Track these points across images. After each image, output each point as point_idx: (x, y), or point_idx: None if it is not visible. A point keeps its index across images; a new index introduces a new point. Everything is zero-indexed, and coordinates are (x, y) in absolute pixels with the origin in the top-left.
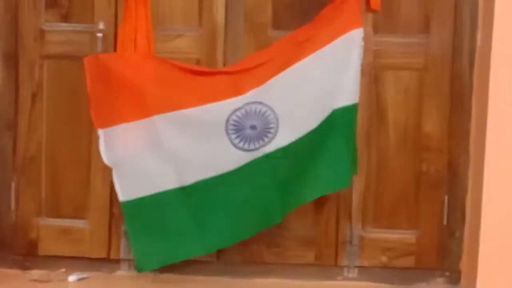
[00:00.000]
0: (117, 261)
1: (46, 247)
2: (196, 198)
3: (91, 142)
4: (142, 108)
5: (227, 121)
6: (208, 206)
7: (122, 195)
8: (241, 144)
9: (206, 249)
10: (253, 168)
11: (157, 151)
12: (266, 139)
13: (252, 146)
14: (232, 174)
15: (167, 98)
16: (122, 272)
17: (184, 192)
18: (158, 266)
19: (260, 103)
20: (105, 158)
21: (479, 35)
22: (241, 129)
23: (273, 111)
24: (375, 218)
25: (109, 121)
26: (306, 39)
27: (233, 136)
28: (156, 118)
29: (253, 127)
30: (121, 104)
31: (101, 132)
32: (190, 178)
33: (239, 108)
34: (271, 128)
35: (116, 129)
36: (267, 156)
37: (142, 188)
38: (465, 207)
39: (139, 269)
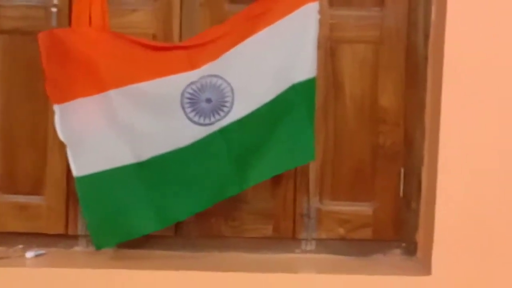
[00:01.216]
0: (75, 237)
1: (3, 224)
2: (151, 173)
3: (48, 117)
4: (98, 83)
5: (182, 94)
6: (163, 181)
7: (77, 170)
8: (196, 118)
9: (162, 223)
10: (209, 143)
11: (113, 126)
12: (221, 113)
13: (207, 120)
14: (187, 148)
15: (122, 73)
16: (80, 248)
17: (140, 167)
18: (115, 243)
19: (216, 76)
20: (60, 134)
21: (433, 8)
22: (197, 103)
23: (229, 84)
24: (332, 191)
25: (65, 97)
26: (261, 13)
27: (188, 110)
28: (112, 92)
29: (208, 100)
30: (77, 79)
31: (56, 108)
32: (146, 153)
33: (194, 82)
34: (226, 102)
35: (72, 104)
36: (223, 130)
37: (97, 163)
38: (421, 179)
39: (97, 247)
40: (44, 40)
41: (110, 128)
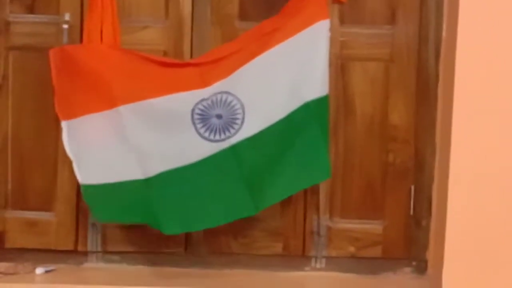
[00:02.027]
0: (85, 253)
1: (13, 240)
2: (159, 189)
3: (58, 134)
4: (107, 98)
5: (193, 110)
6: (171, 196)
7: (83, 179)
8: (206, 134)
9: (164, 228)
10: (220, 160)
11: (121, 142)
12: (232, 130)
13: (217, 137)
14: (196, 165)
15: (132, 88)
16: (90, 264)
17: (147, 183)
18: (113, 218)
19: (226, 92)
20: (68, 149)
21: (444, 26)
22: (207, 119)
23: (239, 101)
24: (343, 209)
25: (73, 113)
26: (272, 30)
27: (199, 126)
28: (121, 108)
29: (218, 116)
30: (86, 95)
31: (64, 124)
32: (154, 169)
33: (205, 99)
34: (237, 118)
35: (80, 120)
36: (234, 147)
37: (104, 176)
38: (432, 197)
39: (95, 217)
40: (55, 57)
41: (118, 144)
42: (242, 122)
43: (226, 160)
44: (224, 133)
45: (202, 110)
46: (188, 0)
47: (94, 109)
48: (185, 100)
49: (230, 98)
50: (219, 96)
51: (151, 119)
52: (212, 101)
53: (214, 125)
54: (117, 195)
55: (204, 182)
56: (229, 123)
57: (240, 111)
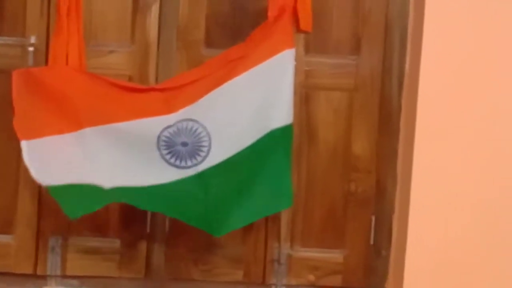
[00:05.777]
0: (44, 277)
1: None
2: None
3: (20, 156)
4: (72, 121)
5: (159, 137)
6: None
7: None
8: (172, 160)
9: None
10: (185, 184)
11: (86, 159)
12: (198, 158)
13: (183, 163)
14: (161, 186)
15: (98, 112)
16: None
17: (110, 191)
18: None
19: (192, 120)
20: (32, 170)
21: (408, 58)
22: (172, 146)
23: (205, 128)
24: (303, 237)
25: (35, 133)
26: (238, 57)
27: (164, 152)
28: (87, 130)
29: (184, 144)
30: (50, 116)
31: (24, 144)
32: (116, 183)
33: (170, 126)
34: (203, 146)
35: (43, 141)
36: (200, 174)
37: (66, 178)
38: (392, 227)
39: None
40: (18, 78)
41: (83, 164)
42: (209, 150)
43: (192, 185)
44: (191, 160)
45: (167, 137)
46: (154, 25)
47: (58, 130)
48: (151, 126)
49: (195, 126)
50: (184, 124)
51: (117, 143)
52: (178, 128)
53: (180, 151)
54: (83, 191)
55: (169, 202)
56: (195, 151)
57: (206, 138)
